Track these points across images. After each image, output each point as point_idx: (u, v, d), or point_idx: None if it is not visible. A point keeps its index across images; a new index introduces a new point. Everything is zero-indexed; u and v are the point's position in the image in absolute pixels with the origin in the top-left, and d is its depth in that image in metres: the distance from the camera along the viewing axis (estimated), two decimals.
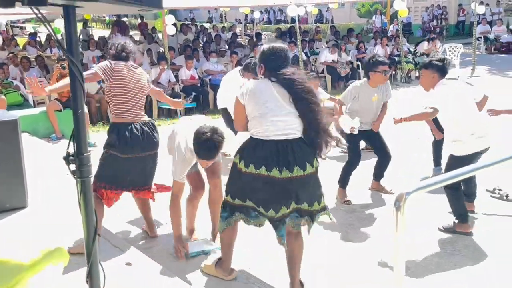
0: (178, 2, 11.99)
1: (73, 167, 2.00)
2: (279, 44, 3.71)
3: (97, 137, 8.38)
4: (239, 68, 7.53)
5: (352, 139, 5.84)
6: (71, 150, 1.99)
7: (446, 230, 5.01)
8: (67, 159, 1.99)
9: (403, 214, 2.20)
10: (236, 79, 7.20)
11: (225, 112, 7.55)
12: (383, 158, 5.97)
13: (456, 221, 4.99)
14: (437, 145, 6.53)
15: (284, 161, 3.44)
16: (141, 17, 22.63)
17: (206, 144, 3.84)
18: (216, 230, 4.61)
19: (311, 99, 3.47)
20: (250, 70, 6.81)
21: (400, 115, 5.24)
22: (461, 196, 4.99)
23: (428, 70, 5.09)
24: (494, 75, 15.07)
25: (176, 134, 4.24)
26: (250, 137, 3.59)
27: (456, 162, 4.75)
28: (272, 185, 3.46)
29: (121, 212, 5.11)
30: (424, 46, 14.82)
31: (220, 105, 7.71)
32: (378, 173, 6.09)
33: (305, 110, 3.48)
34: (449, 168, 4.88)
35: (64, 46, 1.90)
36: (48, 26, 1.80)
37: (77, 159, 1.96)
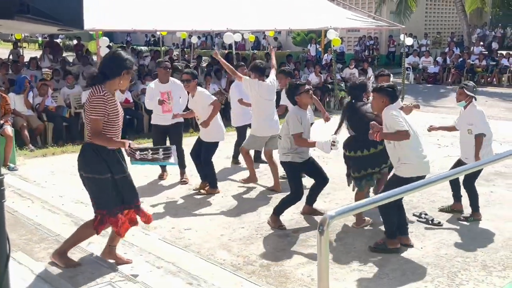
0: (113, 24, 11.78)
1: None
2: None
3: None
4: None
5: (294, 174, 5.89)
6: None
7: (377, 248, 5.15)
8: None
9: (326, 238, 2.18)
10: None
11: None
12: (321, 182, 6.08)
13: (387, 238, 5.14)
14: None
15: None
16: (78, 38, 22.12)
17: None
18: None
19: None
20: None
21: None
22: (393, 213, 5.11)
23: (379, 94, 5.16)
24: (421, 104, 15.71)
25: None
26: None
27: (396, 182, 4.67)
28: None
29: None
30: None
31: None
32: (312, 197, 6.17)
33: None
34: (387, 187, 4.95)
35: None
36: None
37: None
